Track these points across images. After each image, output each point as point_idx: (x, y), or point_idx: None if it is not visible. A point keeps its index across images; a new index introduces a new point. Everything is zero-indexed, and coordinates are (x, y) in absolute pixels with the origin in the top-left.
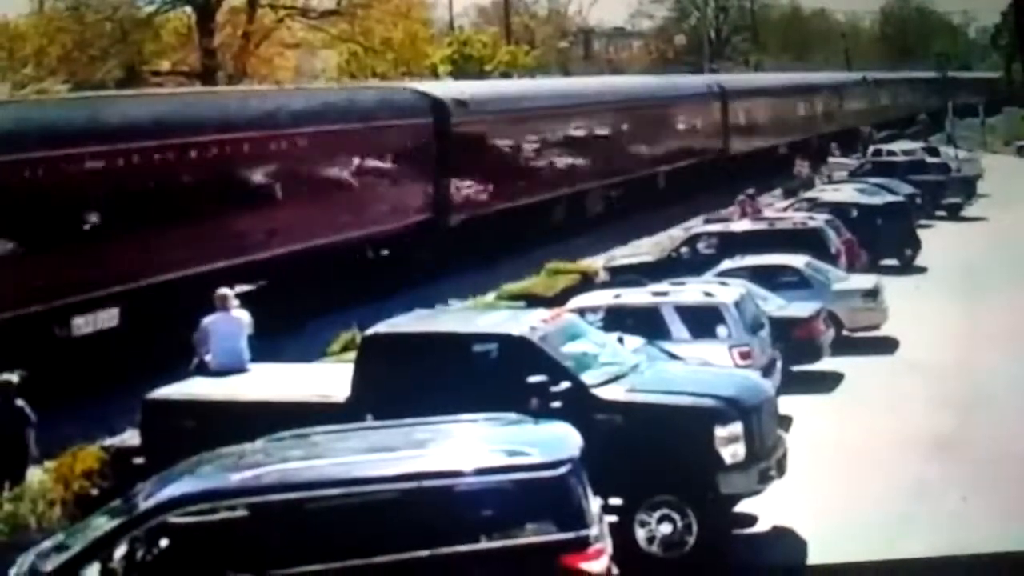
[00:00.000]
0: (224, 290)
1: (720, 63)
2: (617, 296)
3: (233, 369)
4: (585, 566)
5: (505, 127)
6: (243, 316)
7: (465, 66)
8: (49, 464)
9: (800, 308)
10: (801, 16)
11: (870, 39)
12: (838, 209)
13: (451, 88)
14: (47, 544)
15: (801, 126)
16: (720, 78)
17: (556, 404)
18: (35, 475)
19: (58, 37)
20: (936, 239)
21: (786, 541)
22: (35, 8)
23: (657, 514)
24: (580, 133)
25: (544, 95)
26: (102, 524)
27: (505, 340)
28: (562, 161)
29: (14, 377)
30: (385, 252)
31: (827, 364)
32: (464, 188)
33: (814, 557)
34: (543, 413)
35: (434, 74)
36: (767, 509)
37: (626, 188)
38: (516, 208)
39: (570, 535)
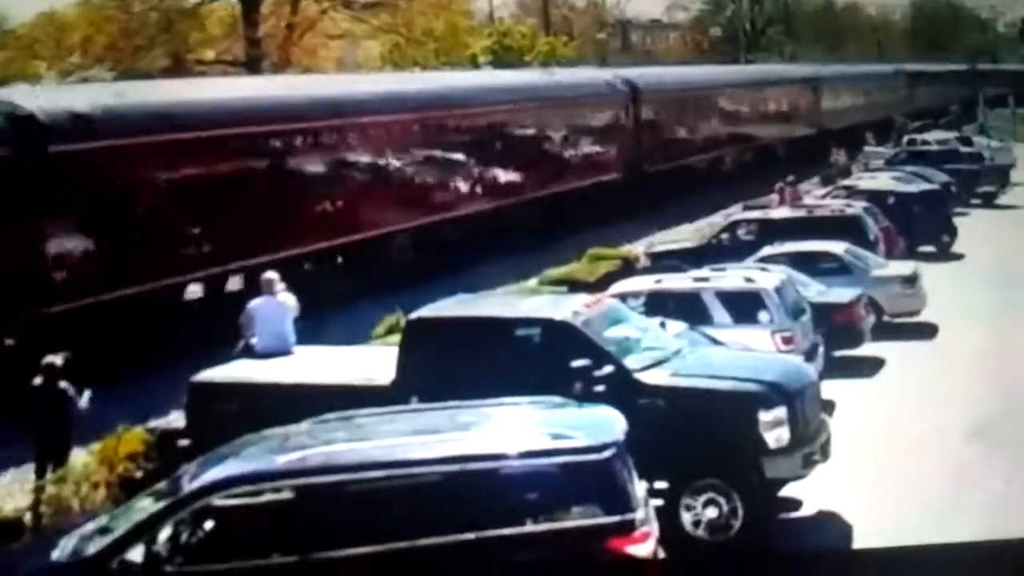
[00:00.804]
0: (270, 274)
1: (755, 54)
2: (658, 281)
3: (278, 352)
4: (631, 549)
5: (166, 155)
6: (288, 300)
7: (505, 56)
8: (94, 446)
9: (840, 294)
10: (833, 9)
11: (901, 32)
12: (875, 197)
13: (63, 96)
14: (90, 526)
15: (750, 132)
16: (630, 73)
17: (599, 389)
18: (79, 457)
19: (104, 26)
20: (972, 226)
21: (831, 525)
22: None
23: (703, 498)
24: (369, 153)
25: (272, 102)
26: (146, 506)
27: (548, 324)
28: (341, 194)
29: (58, 359)
30: None
31: (868, 349)
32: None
33: (859, 541)
34: (586, 397)
35: (474, 64)
36: (812, 493)
37: (480, 223)
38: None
39: (616, 518)
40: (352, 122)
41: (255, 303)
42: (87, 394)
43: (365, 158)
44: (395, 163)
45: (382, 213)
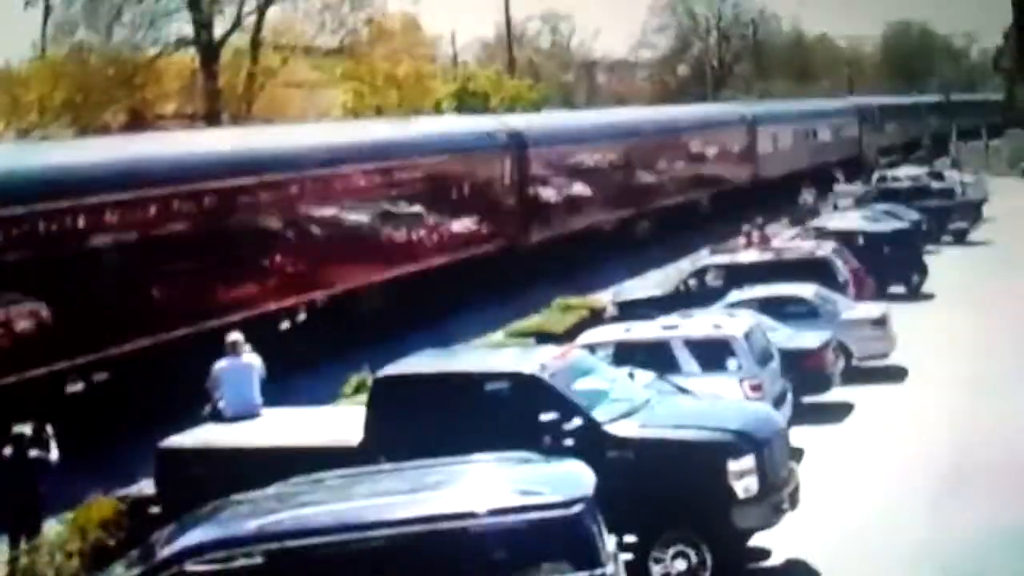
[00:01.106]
0: (234, 336)
1: (723, 92)
2: (627, 331)
3: (246, 414)
4: None
5: None
6: (254, 361)
7: (470, 102)
8: (66, 515)
9: (809, 339)
10: (803, 43)
11: (873, 65)
12: (845, 237)
13: None
14: None
15: (667, 187)
16: (517, 121)
17: (569, 442)
18: (52, 527)
19: (61, 82)
20: (943, 265)
21: (800, 574)
22: (38, 53)
23: (672, 550)
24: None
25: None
26: (120, 575)
27: (516, 378)
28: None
29: (27, 429)
30: None
31: (837, 394)
32: None
33: None
34: (556, 451)
35: (438, 110)
36: (780, 542)
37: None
38: None
39: (584, 574)
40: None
41: (220, 365)
42: (54, 453)
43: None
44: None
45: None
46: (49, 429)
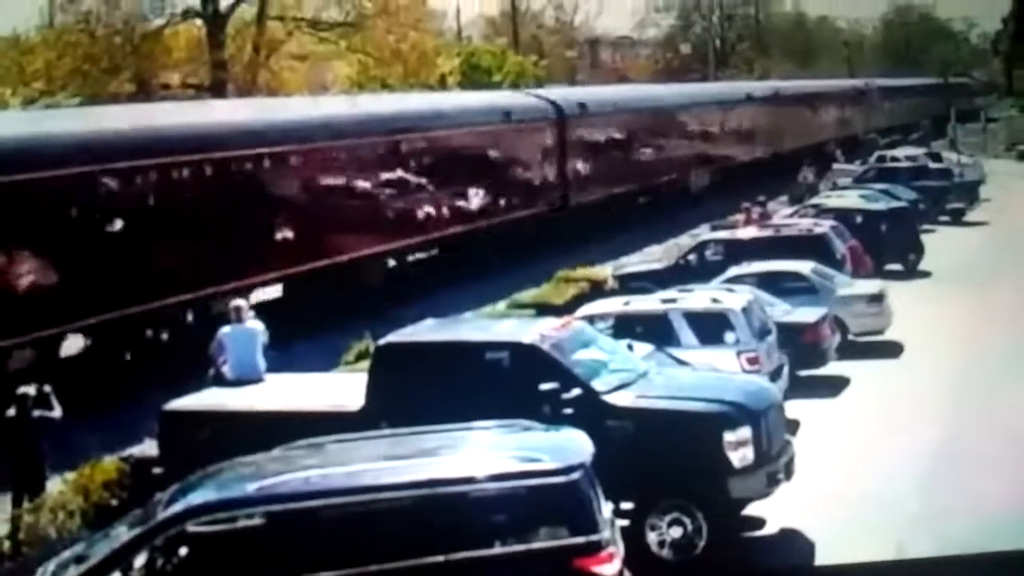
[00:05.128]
0: (239, 301)
1: (725, 71)
2: (626, 303)
3: (249, 380)
4: (597, 569)
5: None
6: (257, 327)
7: (474, 77)
8: (69, 475)
9: (806, 313)
10: (805, 24)
11: (873, 46)
12: (843, 215)
13: None
14: (67, 554)
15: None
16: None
17: (567, 411)
18: (55, 486)
19: (68, 50)
20: (940, 244)
21: (794, 543)
22: (45, 21)
23: (668, 518)
24: None
25: None
26: (121, 534)
27: (516, 348)
28: None
29: (31, 390)
30: None
31: (833, 368)
32: None
33: (822, 558)
34: (555, 420)
35: (443, 85)
36: (775, 512)
37: None
38: None
39: (582, 539)
40: None
41: (225, 331)
42: (57, 411)
43: None
44: None
45: None
46: (48, 388)
